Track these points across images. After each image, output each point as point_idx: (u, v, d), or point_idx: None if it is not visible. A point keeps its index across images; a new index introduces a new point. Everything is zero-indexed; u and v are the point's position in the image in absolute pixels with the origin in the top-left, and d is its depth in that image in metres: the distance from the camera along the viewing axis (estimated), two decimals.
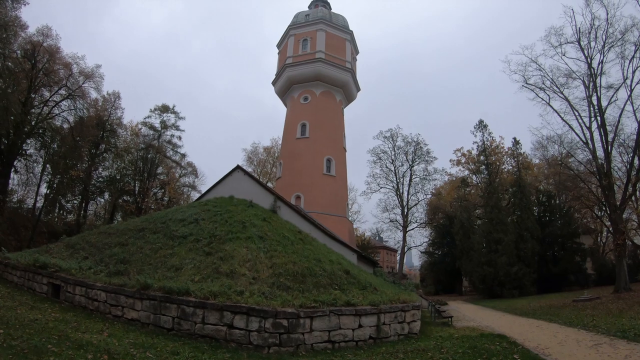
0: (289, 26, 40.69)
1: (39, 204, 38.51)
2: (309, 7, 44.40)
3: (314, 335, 9.77)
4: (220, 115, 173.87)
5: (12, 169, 34.93)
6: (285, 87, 39.75)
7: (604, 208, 34.84)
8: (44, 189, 39.41)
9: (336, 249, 21.90)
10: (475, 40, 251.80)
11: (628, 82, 27.94)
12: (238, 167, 25.89)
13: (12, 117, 31.13)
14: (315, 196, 33.80)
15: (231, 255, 13.47)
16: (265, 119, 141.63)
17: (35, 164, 37.98)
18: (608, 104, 28.94)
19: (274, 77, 41.61)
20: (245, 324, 9.48)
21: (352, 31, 41.25)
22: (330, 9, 43.91)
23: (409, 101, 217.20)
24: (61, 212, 43.89)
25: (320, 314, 9.86)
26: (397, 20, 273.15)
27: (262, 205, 22.38)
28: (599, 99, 28.92)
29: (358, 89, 42.49)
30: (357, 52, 43.67)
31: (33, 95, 34.33)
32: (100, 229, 20.50)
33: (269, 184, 48.83)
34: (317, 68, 37.31)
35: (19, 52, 32.87)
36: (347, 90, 40.31)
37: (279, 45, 43.10)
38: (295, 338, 9.53)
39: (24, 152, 36.05)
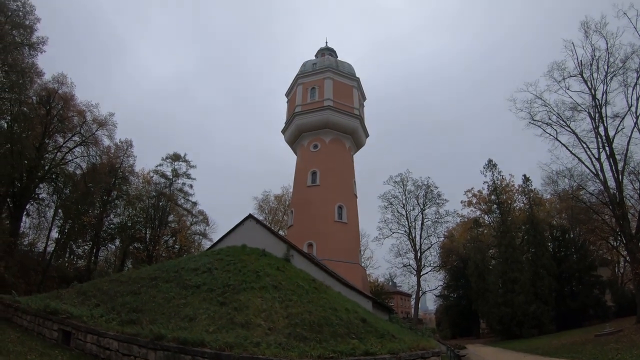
0: (297, 75, 41.83)
1: (50, 249, 38.63)
2: (315, 55, 45.79)
3: None
4: (231, 164, 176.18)
5: (24, 213, 35.29)
6: (294, 135, 40.33)
7: (619, 238, 34.36)
8: (55, 234, 39.71)
9: (351, 297, 21.58)
10: (476, 70, 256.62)
11: (633, 109, 28.51)
12: (250, 216, 26.15)
13: (26, 161, 31.90)
14: (327, 243, 33.61)
15: (246, 305, 13.31)
16: (275, 167, 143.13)
17: (47, 209, 38.35)
18: (615, 133, 29.29)
19: (284, 125, 42.33)
20: None
21: (358, 78, 42.31)
22: (337, 57, 45.25)
23: (415, 135, 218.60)
24: (72, 257, 43.79)
25: None
26: (400, 64, 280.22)
27: (274, 254, 22.26)
28: (605, 129, 29.20)
29: (367, 135, 43.00)
30: (364, 98, 44.55)
31: (47, 141, 35.20)
32: (112, 277, 20.49)
33: (281, 232, 48.63)
34: (325, 116, 37.96)
35: (34, 98, 33.89)
36: (356, 137, 40.81)
37: (287, 94, 44.14)
38: None
39: (36, 196, 36.51)
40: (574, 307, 36.28)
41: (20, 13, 30.49)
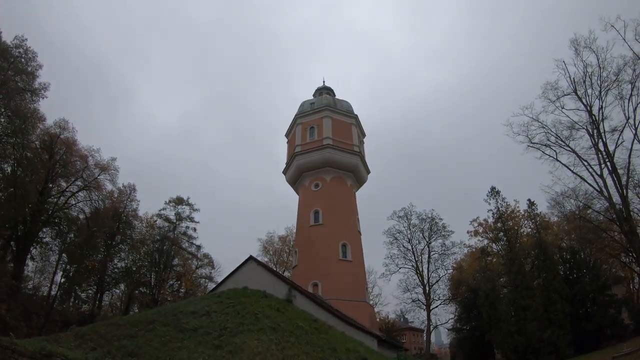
0: (295, 115, 42.17)
1: (55, 292, 38.42)
2: (313, 95, 46.28)
3: None
4: (235, 207, 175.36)
5: (29, 256, 35.52)
6: (295, 175, 40.19)
7: (630, 254, 33.37)
8: (59, 278, 39.50)
9: (355, 336, 21.01)
10: (475, 105, 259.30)
11: (631, 121, 28.40)
12: (251, 258, 26.00)
13: (30, 205, 32.14)
14: (332, 283, 33.01)
15: (241, 348, 13.00)
16: (278, 208, 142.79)
17: (50, 252, 38.40)
18: (615, 148, 29.11)
19: (284, 166, 42.24)
20: None
21: (356, 115, 42.47)
22: (335, 95, 45.68)
23: (418, 173, 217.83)
24: (76, 301, 43.30)
25: None
26: (398, 96, 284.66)
27: (277, 295, 22.14)
28: (605, 145, 28.95)
29: (368, 172, 42.72)
30: (363, 134, 44.65)
31: (51, 185, 35.57)
32: (111, 320, 20.16)
33: (286, 273, 48.18)
34: (325, 154, 37.87)
35: (37, 142, 34.46)
36: (357, 174, 40.53)
37: (287, 135, 44.33)
38: None
39: (39, 240, 36.58)
40: (590, 329, 34.71)
41: (23, 59, 31.53)
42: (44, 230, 36.85)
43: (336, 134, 39.19)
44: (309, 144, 39.26)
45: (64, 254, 38.43)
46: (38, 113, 33.18)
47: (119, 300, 48.42)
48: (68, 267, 39.54)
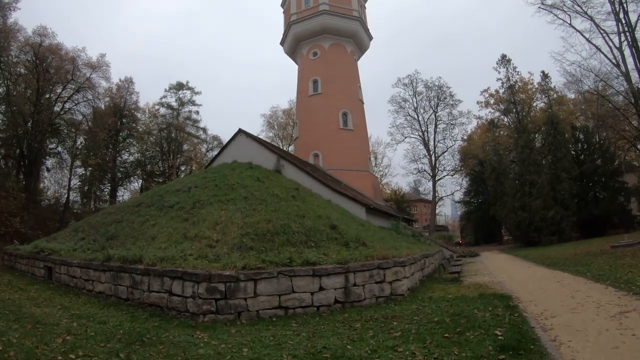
0: None
1: (71, 197, 39.71)
2: None
3: (259, 300, 8.62)
4: (240, 88, 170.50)
5: (44, 168, 36.59)
6: (293, 45, 38.56)
7: None
8: (76, 182, 40.75)
9: (343, 204, 21.00)
10: None
11: None
12: (240, 131, 25.43)
13: (30, 120, 32.15)
14: (333, 152, 32.91)
15: (204, 218, 12.89)
16: (284, 84, 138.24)
17: (63, 162, 39.02)
18: (638, 19, 25.37)
19: (282, 37, 40.36)
20: (182, 289, 8.68)
21: None
22: None
23: (429, 48, 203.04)
24: (97, 202, 44.54)
25: (266, 275, 8.69)
26: None
27: (266, 166, 21.87)
28: (626, 14, 25.32)
29: (370, 38, 40.48)
30: None
31: (48, 96, 34.91)
32: (104, 210, 20.84)
33: (292, 147, 48.05)
34: (322, 21, 35.69)
35: (22, 56, 33.54)
36: (358, 40, 38.40)
37: (282, 5, 41.58)
38: (234, 304, 8.43)
39: (49, 151, 37.06)
40: (597, 214, 34.10)
41: None
42: (52, 140, 37.22)
43: None
44: (305, 11, 36.84)
45: (75, 159, 38.99)
46: (15, 25, 31.90)
47: (136, 193, 49.93)
48: (84, 171, 40.57)
